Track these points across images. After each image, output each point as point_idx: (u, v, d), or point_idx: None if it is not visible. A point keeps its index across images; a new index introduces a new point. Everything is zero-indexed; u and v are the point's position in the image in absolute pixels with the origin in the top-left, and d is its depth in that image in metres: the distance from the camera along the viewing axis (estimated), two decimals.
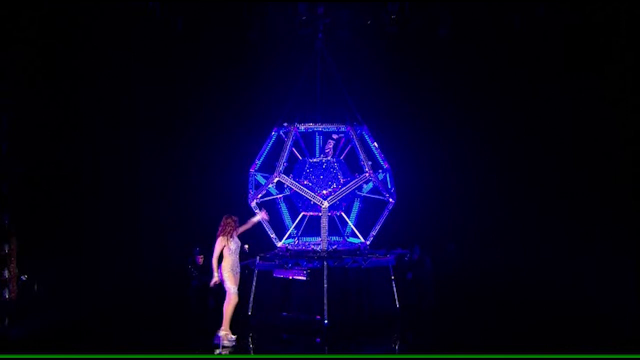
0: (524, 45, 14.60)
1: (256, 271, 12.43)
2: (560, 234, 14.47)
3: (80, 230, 13.78)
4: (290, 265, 12.08)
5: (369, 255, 12.42)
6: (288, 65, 14.14)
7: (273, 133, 12.99)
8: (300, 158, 13.21)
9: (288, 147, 12.68)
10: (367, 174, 12.50)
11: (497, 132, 15.44)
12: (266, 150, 13.01)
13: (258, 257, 12.46)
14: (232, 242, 10.65)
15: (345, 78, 13.15)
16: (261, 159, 13.01)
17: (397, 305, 12.53)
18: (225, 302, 10.62)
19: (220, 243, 10.61)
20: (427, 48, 15.14)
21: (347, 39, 14.38)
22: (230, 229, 10.67)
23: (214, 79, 15.31)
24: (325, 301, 11.71)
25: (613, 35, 13.27)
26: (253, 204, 12.65)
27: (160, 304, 13.22)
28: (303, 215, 13.00)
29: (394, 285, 12.56)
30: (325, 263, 11.92)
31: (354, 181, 12.52)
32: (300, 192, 12.42)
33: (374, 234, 12.85)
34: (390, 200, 12.72)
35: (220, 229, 10.70)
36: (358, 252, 12.51)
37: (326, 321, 11.62)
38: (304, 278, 11.97)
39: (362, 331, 11.68)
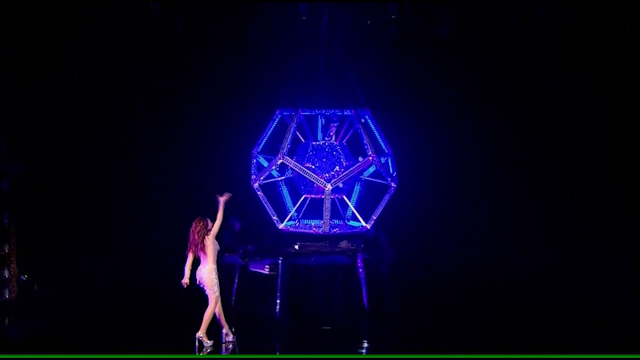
0: (524, 45, 14.59)
1: (238, 266, 12.50)
2: (560, 234, 14.46)
3: (80, 230, 13.78)
4: (252, 260, 12.26)
5: (335, 252, 12.42)
6: (288, 61, 14.14)
7: (276, 116, 12.99)
8: (303, 141, 13.17)
9: (292, 129, 12.65)
10: (370, 158, 12.48)
11: (497, 131, 15.42)
12: (269, 132, 12.98)
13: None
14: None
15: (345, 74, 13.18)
16: (264, 141, 12.99)
17: (366, 304, 12.17)
18: (211, 307, 10.45)
19: (214, 245, 10.52)
20: (426, 48, 15.13)
21: (347, 38, 14.36)
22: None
23: (213, 78, 15.30)
24: (279, 295, 11.76)
25: (613, 35, 13.26)
26: (256, 186, 12.66)
27: (160, 304, 13.20)
28: (304, 197, 12.98)
29: (363, 283, 12.21)
30: (280, 260, 11.97)
31: (357, 164, 12.52)
32: (304, 175, 12.40)
33: (375, 217, 12.81)
34: (392, 184, 12.70)
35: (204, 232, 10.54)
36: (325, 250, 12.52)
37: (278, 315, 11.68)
38: (267, 272, 12.05)
39: (326, 328, 11.57)
